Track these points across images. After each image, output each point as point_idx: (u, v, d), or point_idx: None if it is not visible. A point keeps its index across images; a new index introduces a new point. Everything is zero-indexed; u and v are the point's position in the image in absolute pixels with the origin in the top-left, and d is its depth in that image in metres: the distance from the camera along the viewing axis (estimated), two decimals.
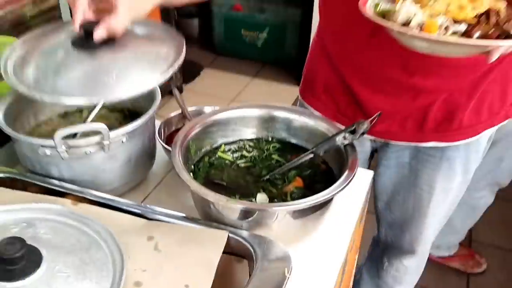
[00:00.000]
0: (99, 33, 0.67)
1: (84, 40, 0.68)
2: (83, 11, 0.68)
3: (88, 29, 0.67)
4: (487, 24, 0.61)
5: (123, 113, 0.88)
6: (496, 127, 0.98)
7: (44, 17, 1.87)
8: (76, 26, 0.68)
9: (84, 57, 0.69)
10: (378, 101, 0.93)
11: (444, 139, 0.96)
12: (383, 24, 0.63)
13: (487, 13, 0.61)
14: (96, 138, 0.71)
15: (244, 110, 0.83)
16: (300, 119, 0.81)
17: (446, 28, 0.61)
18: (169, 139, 0.88)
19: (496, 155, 1.47)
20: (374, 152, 1.11)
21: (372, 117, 0.73)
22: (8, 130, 0.72)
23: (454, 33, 0.61)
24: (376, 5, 0.67)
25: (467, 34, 0.61)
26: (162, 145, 0.84)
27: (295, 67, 2.70)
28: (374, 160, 1.14)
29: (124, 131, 0.73)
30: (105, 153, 0.72)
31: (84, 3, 0.67)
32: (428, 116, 0.94)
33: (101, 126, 0.69)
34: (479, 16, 0.61)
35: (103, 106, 0.84)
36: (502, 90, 0.94)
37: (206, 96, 2.81)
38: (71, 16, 0.68)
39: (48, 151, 0.71)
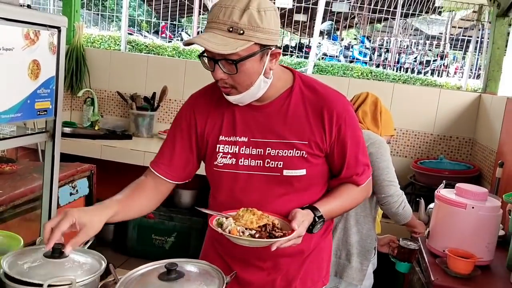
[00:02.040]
0: (67, 250, 1.15)
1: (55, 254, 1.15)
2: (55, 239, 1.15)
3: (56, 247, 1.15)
4: (264, 231, 1.24)
5: None
6: None
7: None
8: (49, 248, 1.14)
9: None
10: (249, 276, 1.46)
11: None
12: (217, 230, 1.24)
13: (264, 225, 1.26)
14: None
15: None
16: None
17: (243, 232, 1.23)
18: None
19: None
20: None
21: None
22: None
23: (249, 235, 1.23)
24: (218, 219, 1.31)
25: (254, 236, 1.23)
26: None
27: None
28: None
29: None
30: None
31: (57, 237, 1.17)
32: (276, 285, 1.48)
33: None
34: (261, 227, 1.25)
35: None
36: (318, 267, 1.53)
37: None
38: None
39: None
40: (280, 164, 1.36)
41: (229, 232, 1.23)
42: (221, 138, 1.39)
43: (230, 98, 1.32)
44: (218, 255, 1.53)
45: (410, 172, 3.30)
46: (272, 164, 1.36)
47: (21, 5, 1.27)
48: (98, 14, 8.15)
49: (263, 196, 1.39)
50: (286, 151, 1.35)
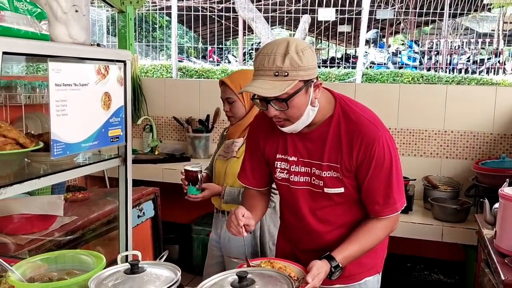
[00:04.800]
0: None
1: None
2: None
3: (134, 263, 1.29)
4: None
5: None
6: (373, 277, 1.65)
7: None
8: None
9: None
10: (312, 258, 1.51)
11: (342, 282, 1.57)
12: None
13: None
14: None
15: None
16: None
17: None
18: None
19: None
20: None
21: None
22: None
23: None
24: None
25: None
26: None
27: None
28: None
29: None
30: None
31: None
32: None
33: None
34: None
35: None
36: (374, 251, 1.59)
37: None
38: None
39: None
40: (321, 183, 1.53)
41: None
42: (278, 156, 1.61)
43: (285, 129, 1.50)
44: (289, 245, 1.77)
45: (472, 174, 3.22)
46: (315, 182, 1.55)
47: (91, 45, 1.41)
48: (148, 45, 8.55)
49: (311, 207, 1.59)
50: (325, 172, 1.52)
